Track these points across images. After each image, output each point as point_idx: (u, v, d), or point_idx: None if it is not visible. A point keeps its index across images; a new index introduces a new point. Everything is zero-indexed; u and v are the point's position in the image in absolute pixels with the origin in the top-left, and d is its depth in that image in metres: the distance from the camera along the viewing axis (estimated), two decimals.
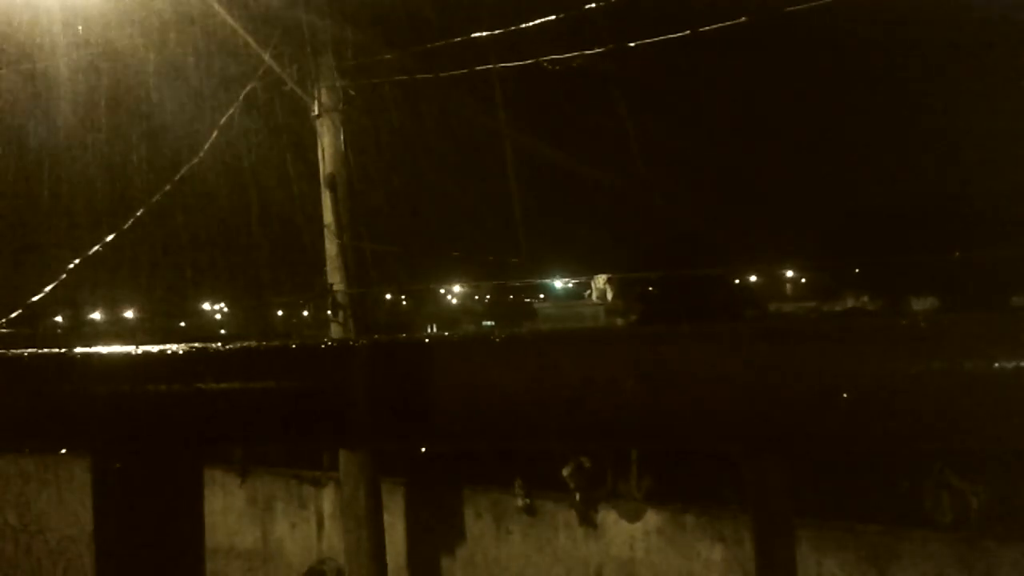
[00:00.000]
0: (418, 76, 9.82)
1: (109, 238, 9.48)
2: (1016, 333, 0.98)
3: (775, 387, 1.04)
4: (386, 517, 10.18)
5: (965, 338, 0.99)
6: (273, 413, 1.20)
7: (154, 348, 1.30)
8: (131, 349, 1.30)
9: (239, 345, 1.25)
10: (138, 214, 9.43)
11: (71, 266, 9.29)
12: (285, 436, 1.21)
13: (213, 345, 1.25)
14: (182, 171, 9.48)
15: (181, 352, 1.27)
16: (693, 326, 1.09)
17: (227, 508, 12.45)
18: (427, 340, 1.20)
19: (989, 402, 0.97)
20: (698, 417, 1.08)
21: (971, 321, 1.01)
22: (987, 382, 0.97)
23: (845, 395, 1.02)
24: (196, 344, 1.26)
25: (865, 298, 48.56)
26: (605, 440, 1.14)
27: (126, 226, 9.36)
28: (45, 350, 1.38)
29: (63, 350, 1.35)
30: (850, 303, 49.77)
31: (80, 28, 9.82)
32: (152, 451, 1.25)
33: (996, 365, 0.97)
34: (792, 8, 7.54)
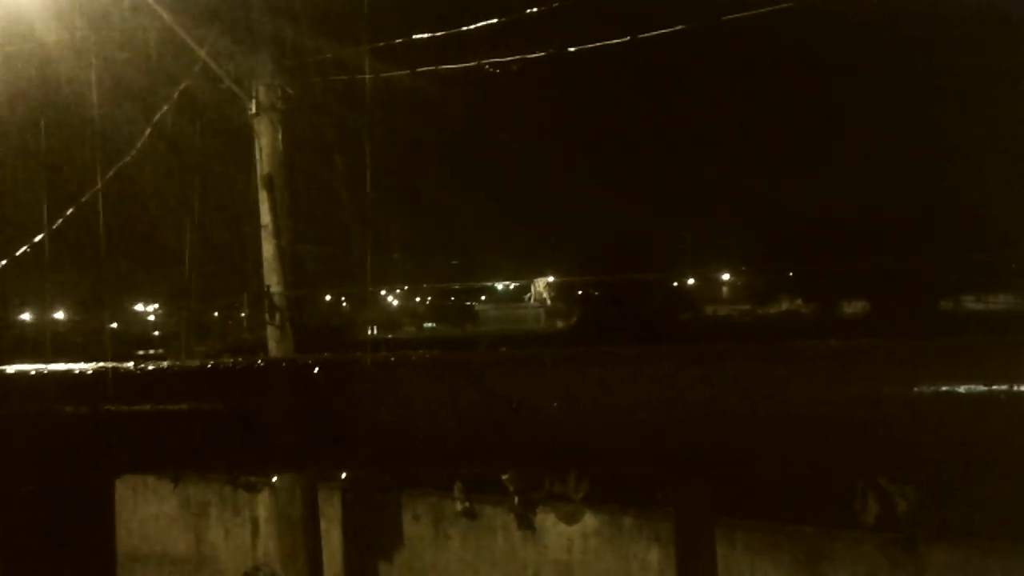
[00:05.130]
0: (358, 76, 9.74)
1: (37, 238, 9.23)
2: (940, 359, 0.99)
3: (701, 412, 1.03)
4: (322, 522, 10.06)
5: (888, 363, 0.99)
6: (187, 437, 1.16)
7: (62, 367, 1.25)
8: (40, 367, 1.24)
9: (152, 366, 1.20)
10: (68, 213, 9.18)
11: None
12: (200, 461, 1.17)
13: (124, 365, 1.20)
14: (112, 170, 9.26)
15: (90, 371, 1.21)
16: (619, 349, 1.08)
17: (159, 514, 12.20)
18: (349, 360, 1.17)
19: (913, 428, 0.97)
20: (623, 441, 1.07)
21: (894, 346, 1.01)
22: (908, 407, 0.98)
23: (771, 420, 1.01)
24: (107, 364, 1.20)
25: (799, 301, 49.55)
26: (529, 463, 1.12)
27: (55, 226, 9.11)
28: None
29: None
30: (784, 306, 50.75)
31: (7, 21, 9.55)
32: (60, 474, 1.20)
33: (916, 390, 0.97)
34: (729, 17, 7.64)
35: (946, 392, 0.90)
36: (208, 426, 1.04)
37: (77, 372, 1.10)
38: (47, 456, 1.13)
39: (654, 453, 0.96)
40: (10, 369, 1.17)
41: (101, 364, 1.12)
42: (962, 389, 0.91)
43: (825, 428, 0.92)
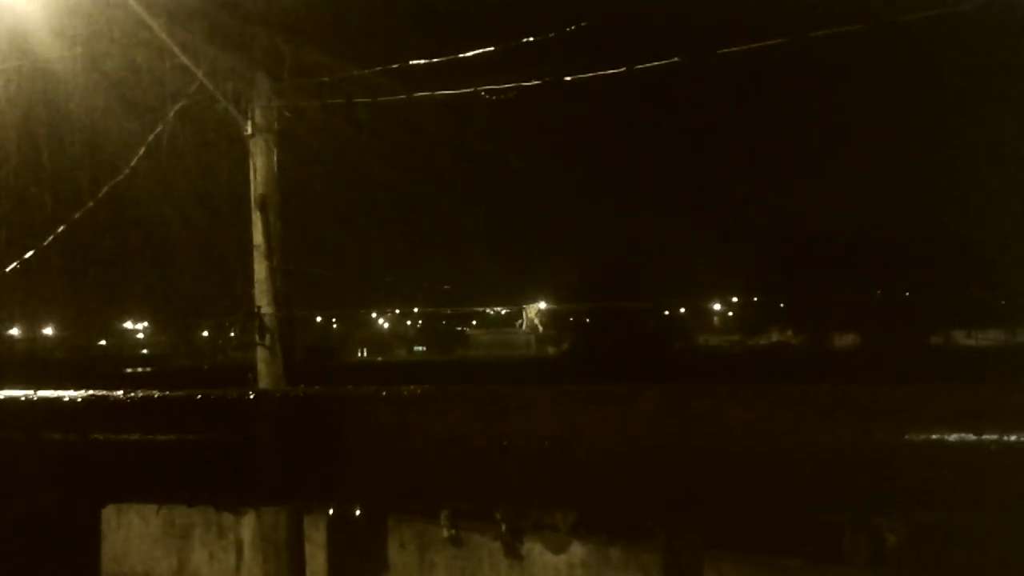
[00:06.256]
0: (355, 100, 9.76)
1: (28, 254, 9.21)
2: (931, 407, 0.99)
3: (693, 455, 1.03)
4: (307, 547, 9.96)
5: (878, 410, 0.99)
6: (175, 469, 1.15)
7: (51, 393, 1.24)
8: (28, 393, 1.24)
9: (142, 394, 1.19)
10: (59, 230, 9.16)
11: None
12: (187, 493, 1.16)
13: (114, 393, 1.20)
14: (105, 188, 9.25)
15: (80, 399, 1.21)
16: (614, 388, 1.08)
17: (143, 535, 12.09)
18: (340, 394, 1.16)
19: (902, 476, 0.98)
20: (614, 482, 1.07)
21: (885, 392, 1.02)
22: (899, 455, 0.98)
23: (764, 464, 1.02)
24: (96, 391, 1.20)
25: (789, 332, 49.68)
26: (517, 502, 1.12)
27: (46, 243, 9.09)
28: None
29: None
30: (775, 337, 50.86)
31: (10, 37, 9.57)
32: (47, 501, 1.19)
33: (907, 438, 0.97)
34: (724, 51, 7.70)
35: (936, 441, 0.90)
36: (196, 458, 1.03)
37: (67, 399, 1.09)
38: (33, 483, 1.12)
39: (647, 495, 0.96)
40: (0, 394, 1.16)
41: (91, 392, 1.11)
42: (953, 438, 0.91)
43: (815, 474, 0.92)
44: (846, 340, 45.70)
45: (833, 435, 1.01)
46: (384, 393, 1.09)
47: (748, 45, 7.89)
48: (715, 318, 57.95)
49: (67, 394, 1.19)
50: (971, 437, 0.93)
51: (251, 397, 1.22)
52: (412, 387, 1.13)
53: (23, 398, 1.25)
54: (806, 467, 0.99)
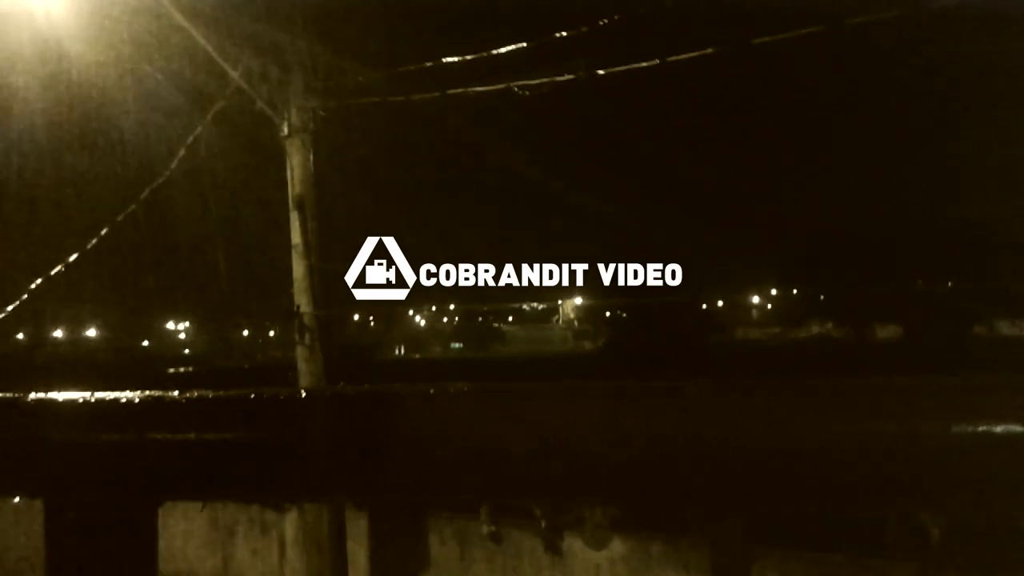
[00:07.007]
0: (389, 99, 9.81)
1: (72, 258, 9.35)
2: (963, 398, 0.99)
3: (735, 447, 1.04)
4: (349, 544, 10.06)
5: (925, 401, 0.99)
6: (231, 467, 1.18)
7: (108, 395, 1.27)
8: (85, 395, 1.27)
9: (195, 394, 1.22)
10: (102, 233, 9.30)
11: (34, 286, 9.14)
12: (244, 490, 1.19)
13: (169, 394, 1.23)
14: (147, 190, 9.38)
15: (136, 400, 1.24)
16: (655, 384, 1.09)
17: (188, 533, 12.25)
18: (389, 392, 1.18)
19: (949, 468, 0.97)
20: (659, 477, 1.08)
21: (931, 383, 1.02)
22: (945, 447, 0.98)
23: (802, 457, 1.02)
24: (151, 392, 1.23)
25: (830, 325, 49.08)
26: (566, 497, 1.13)
27: (90, 246, 9.23)
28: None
29: (16, 394, 1.32)
30: (815, 330, 50.29)
31: (46, 43, 9.73)
32: (105, 501, 1.22)
33: (953, 430, 0.97)
34: (759, 40, 7.63)
35: (984, 433, 0.90)
36: (252, 456, 1.06)
37: (124, 400, 1.12)
38: (93, 483, 1.15)
39: (693, 490, 0.96)
40: (59, 396, 1.19)
41: (147, 392, 1.14)
42: (999, 430, 0.91)
43: (860, 468, 0.92)
44: (888, 332, 45.06)
45: (877, 428, 1.01)
46: (431, 391, 1.12)
47: (783, 34, 7.82)
48: (754, 311, 57.47)
49: (124, 395, 1.23)
50: (1019, 428, 0.93)
51: (303, 396, 1.25)
52: (459, 384, 1.15)
53: (81, 400, 1.28)
54: (851, 461, 1.00)
